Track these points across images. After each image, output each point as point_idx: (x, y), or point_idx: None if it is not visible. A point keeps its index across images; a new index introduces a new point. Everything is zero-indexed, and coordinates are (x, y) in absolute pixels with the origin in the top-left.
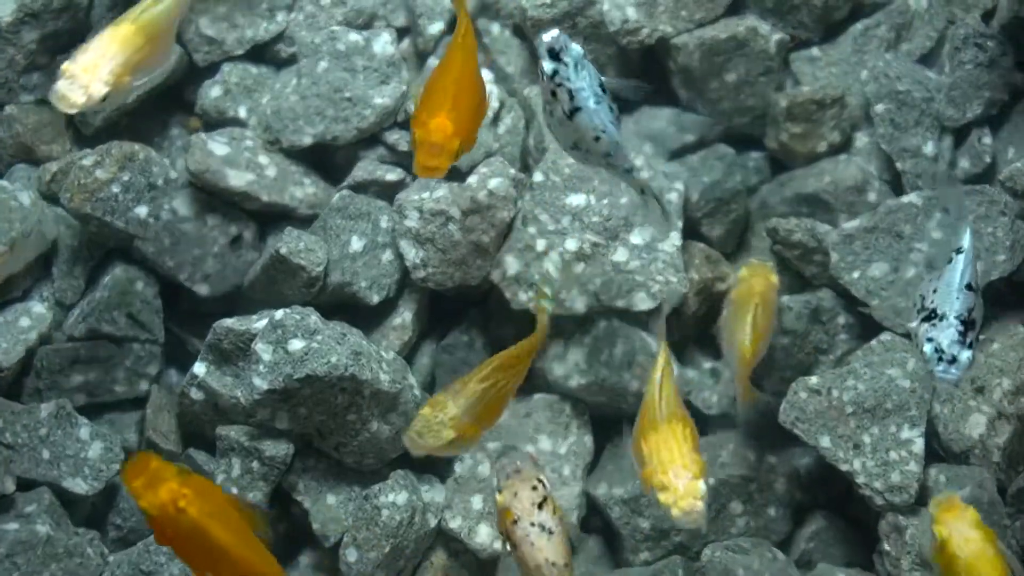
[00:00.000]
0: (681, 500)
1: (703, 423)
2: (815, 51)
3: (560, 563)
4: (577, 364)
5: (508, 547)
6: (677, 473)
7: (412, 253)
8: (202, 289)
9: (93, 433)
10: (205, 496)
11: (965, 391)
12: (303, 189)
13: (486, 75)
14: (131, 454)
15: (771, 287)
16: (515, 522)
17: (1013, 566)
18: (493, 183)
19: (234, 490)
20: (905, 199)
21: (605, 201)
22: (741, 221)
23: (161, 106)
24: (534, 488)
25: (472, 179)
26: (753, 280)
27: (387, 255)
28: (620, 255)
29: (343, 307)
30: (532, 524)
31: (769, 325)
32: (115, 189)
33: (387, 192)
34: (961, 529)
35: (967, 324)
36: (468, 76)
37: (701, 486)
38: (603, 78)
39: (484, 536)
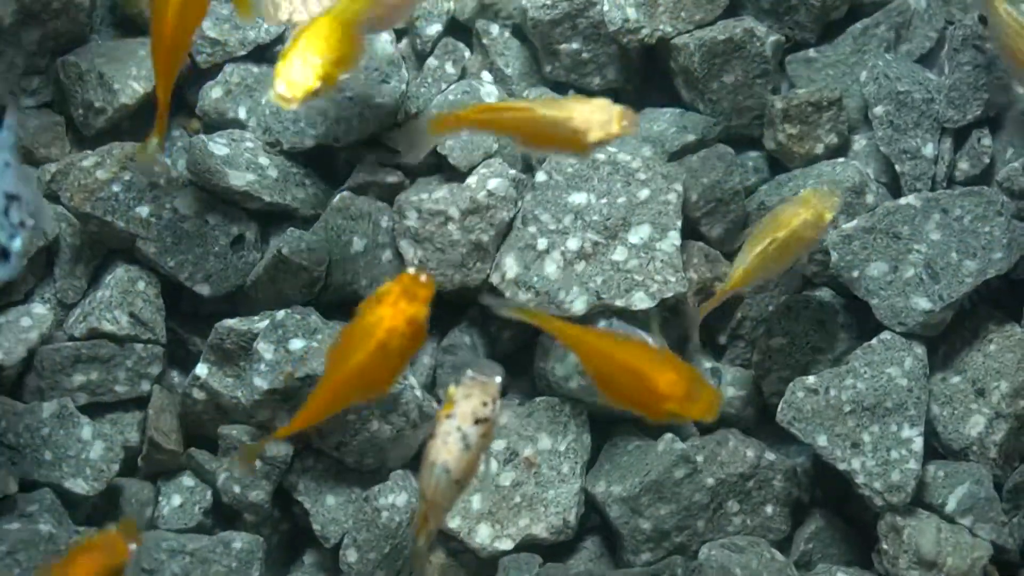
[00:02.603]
0: (282, 81)
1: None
2: (812, 52)
3: (452, 473)
4: (577, 365)
5: (427, 434)
6: (302, 56)
7: (411, 252)
8: (203, 289)
9: (95, 433)
10: None
11: (966, 393)
12: (304, 190)
13: (486, 76)
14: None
15: (814, 224)
16: (448, 416)
17: None
18: (492, 184)
19: (236, 488)
20: (903, 201)
21: (604, 200)
22: (740, 221)
23: None
24: (484, 404)
25: (471, 179)
26: (803, 209)
27: (387, 255)
28: (619, 254)
29: (344, 307)
30: (458, 428)
31: (785, 259)
32: (116, 188)
33: (387, 193)
34: None
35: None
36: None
37: (312, 79)
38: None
39: (484, 536)
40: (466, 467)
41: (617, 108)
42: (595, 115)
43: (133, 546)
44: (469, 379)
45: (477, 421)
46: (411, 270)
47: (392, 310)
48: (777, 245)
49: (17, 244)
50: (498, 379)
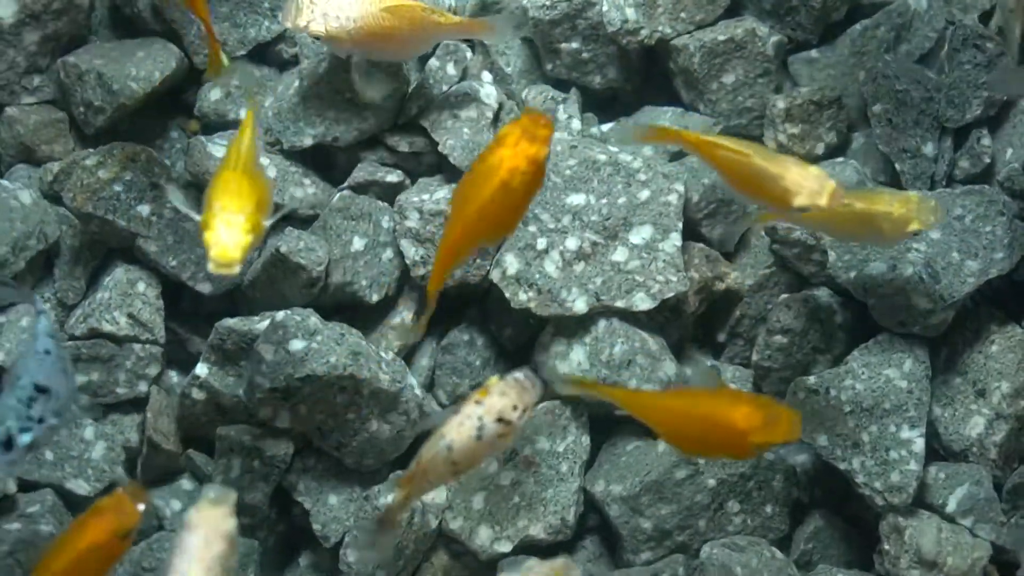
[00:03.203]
0: (216, 249)
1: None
2: (813, 53)
3: (453, 454)
4: (579, 364)
5: (453, 409)
6: (225, 219)
7: (412, 251)
8: (205, 287)
9: (97, 433)
10: None
11: (967, 394)
12: (303, 190)
13: (486, 76)
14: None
15: (899, 221)
16: (476, 402)
17: None
18: None
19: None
20: None
21: (604, 200)
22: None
23: (161, 108)
24: (514, 408)
25: None
26: (901, 205)
27: (387, 254)
28: (619, 255)
29: (343, 307)
30: (480, 418)
31: (851, 228)
32: (117, 188)
33: (388, 193)
34: None
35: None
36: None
37: (244, 237)
38: None
39: (485, 537)
40: (469, 455)
41: (831, 183)
42: (807, 181)
43: (141, 507)
44: (512, 378)
45: (500, 420)
46: (530, 111)
47: (512, 151)
48: (858, 214)
49: (26, 439)
50: (538, 390)
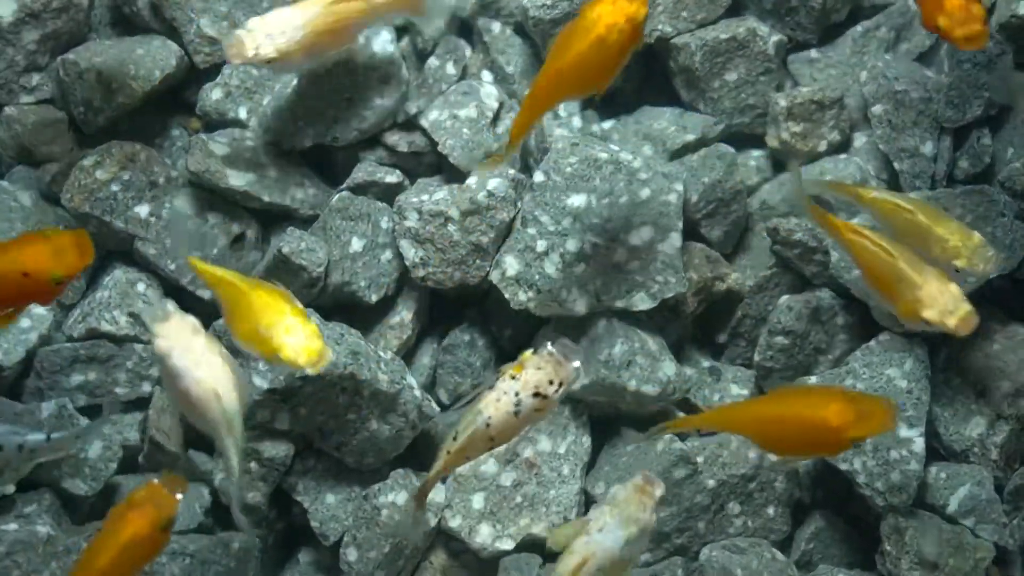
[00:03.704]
0: (302, 355)
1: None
2: (813, 53)
3: (491, 430)
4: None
5: (496, 379)
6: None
7: (411, 252)
8: (205, 292)
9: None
10: None
11: (967, 394)
12: (304, 190)
13: (486, 76)
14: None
15: (952, 252)
16: (512, 378)
17: None
18: (492, 184)
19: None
20: None
21: (606, 200)
22: (741, 222)
23: (162, 107)
24: (551, 383)
25: (471, 180)
26: (958, 238)
27: (387, 255)
28: (619, 255)
29: (343, 307)
30: (516, 393)
31: (905, 242)
32: (114, 188)
33: (387, 193)
34: None
35: None
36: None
37: (310, 327)
38: None
39: (484, 535)
40: (506, 430)
41: (966, 307)
42: (943, 297)
43: (180, 496)
44: (548, 353)
45: (536, 395)
46: None
47: (612, 7)
48: (916, 224)
49: None
50: (576, 365)
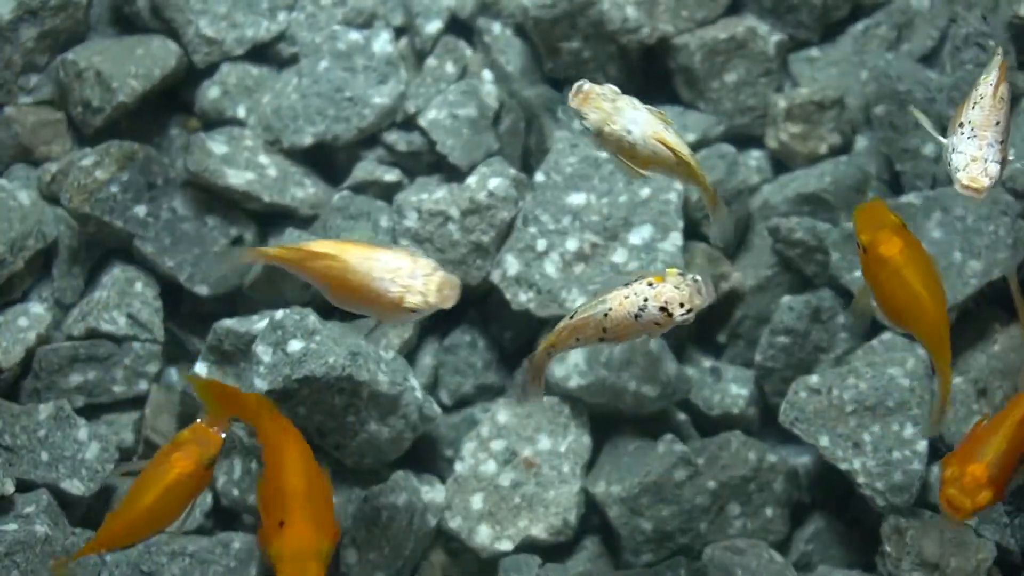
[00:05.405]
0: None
1: (704, 423)
2: (814, 52)
3: (607, 321)
4: (577, 365)
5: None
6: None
7: None
8: (202, 290)
9: (91, 434)
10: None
11: (968, 394)
12: (304, 189)
13: (486, 75)
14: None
15: None
16: (649, 284)
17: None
18: (493, 183)
19: (235, 492)
20: (904, 199)
21: (606, 200)
22: (742, 221)
23: (160, 106)
24: (681, 305)
25: (472, 179)
26: None
27: None
28: (619, 255)
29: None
30: (645, 300)
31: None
32: (113, 189)
33: (387, 193)
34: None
35: None
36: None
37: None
38: None
39: (484, 536)
40: (619, 328)
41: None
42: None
43: (223, 434)
44: (692, 278)
45: (663, 309)
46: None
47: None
48: None
49: None
50: (708, 300)
